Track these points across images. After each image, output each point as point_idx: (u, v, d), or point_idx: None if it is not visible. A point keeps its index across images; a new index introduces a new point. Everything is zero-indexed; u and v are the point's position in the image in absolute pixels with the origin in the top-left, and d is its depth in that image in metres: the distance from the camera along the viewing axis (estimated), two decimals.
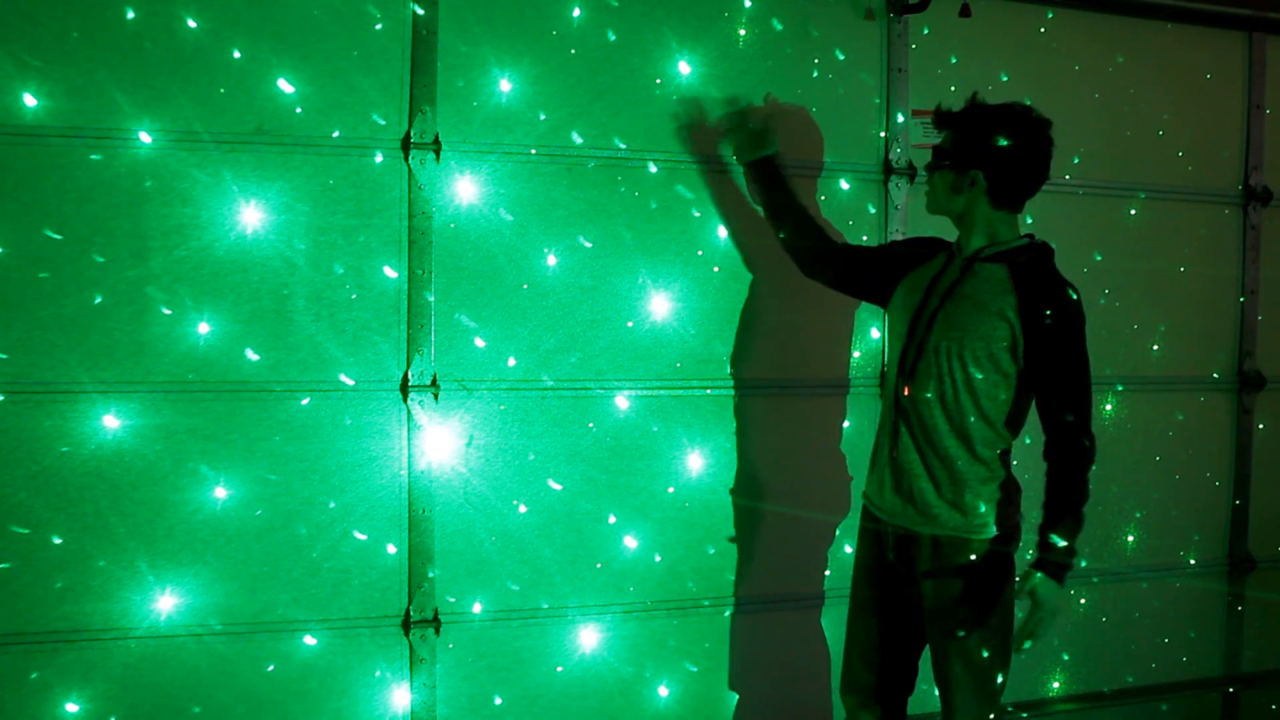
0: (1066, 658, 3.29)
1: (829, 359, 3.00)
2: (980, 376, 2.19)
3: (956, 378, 2.20)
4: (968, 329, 2.19)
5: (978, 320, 2.19)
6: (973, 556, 2.23)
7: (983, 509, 2.24)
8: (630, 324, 2.79)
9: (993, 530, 2.24)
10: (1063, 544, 2.16)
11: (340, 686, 2.65)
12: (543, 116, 2.71)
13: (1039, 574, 2.17)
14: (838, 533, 3.01)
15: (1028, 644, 2.20)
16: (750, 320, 2.88)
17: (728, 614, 2.92)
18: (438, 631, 2.68)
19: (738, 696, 2.95)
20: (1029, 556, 2.22)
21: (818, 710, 3.02)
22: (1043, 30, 3.18)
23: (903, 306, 2.36)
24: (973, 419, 2.22)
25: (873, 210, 3.01)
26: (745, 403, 2.90)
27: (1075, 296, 2.21)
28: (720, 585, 2.92)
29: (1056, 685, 3.29)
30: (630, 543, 2.83)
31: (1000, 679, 2.29)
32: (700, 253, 2.84)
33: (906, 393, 2.26)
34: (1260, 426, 3.47)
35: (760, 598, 2.95)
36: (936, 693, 2.37)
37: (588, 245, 2.75)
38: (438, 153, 2.61)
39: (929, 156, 2.40)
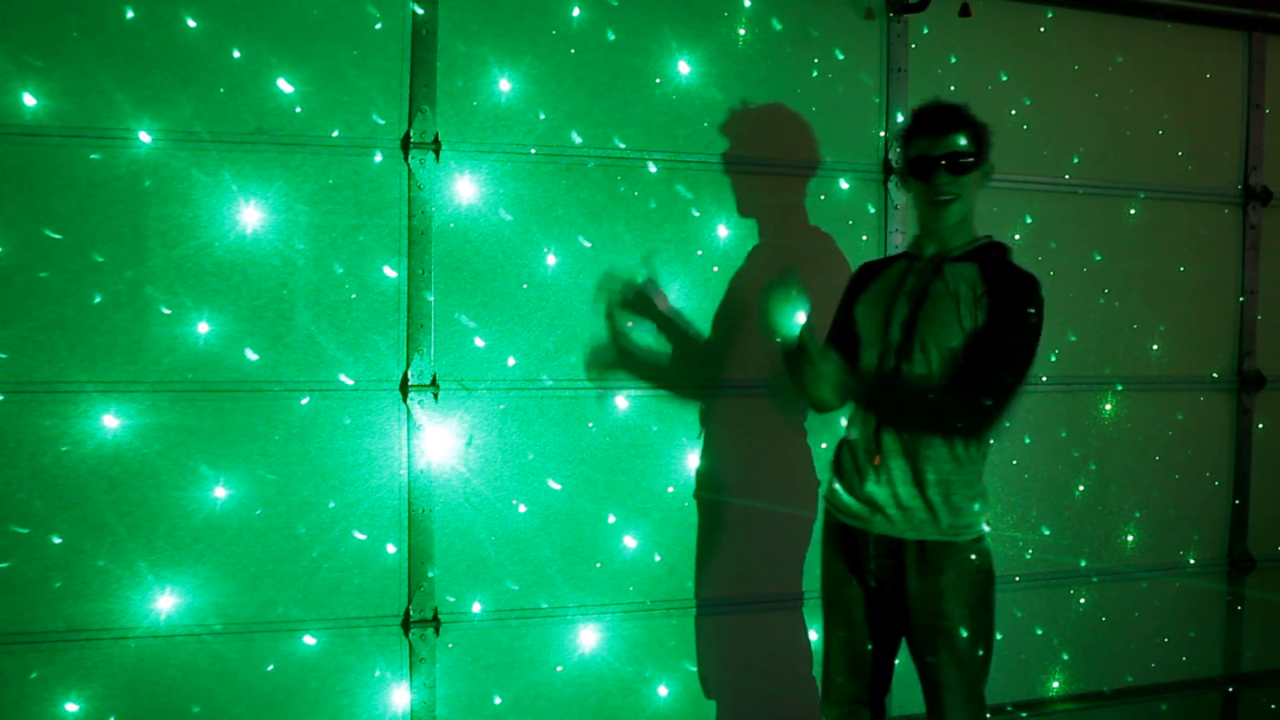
0: (1066, 658, 3.30)
1: None
2: None
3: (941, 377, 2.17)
4: (947, 324, 2.17)
5: (955, 315, 2.17)
6: (965, 557, 2.19)
7: (976, 508, 2.21)
8: (630, 324, 2.80)
9: (979, 529, 2.22)
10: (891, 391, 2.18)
11: (340, 686, 2.65)
12: (542, 116, 2.71)
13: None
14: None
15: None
16: (749, 319, 2.89)
17: (719, 615, 2.93)
18: (437, 631, 2.68)
19: (726, 696, 2.95)
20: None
21: (806, 710, 3.02)
22: (1042, 30, 3.18)
23: (868, 318, 2.30)
24: None
25: (872, 210, 3.01)
26: (744, 402, 2.91)
27: (1040, 290, 2.17)
28: (720, 585, 2.92)
29: (1056, 685, 3.29)
30: (630, 542, 2.83)
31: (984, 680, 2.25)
32: (700, 253, 2.84)
33: None
34: (1260, 426, 3.47)
35: (751, 597, 2.95)
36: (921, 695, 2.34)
37: (587, 245, 2.75)
38: (437, 152, 2.62)
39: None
